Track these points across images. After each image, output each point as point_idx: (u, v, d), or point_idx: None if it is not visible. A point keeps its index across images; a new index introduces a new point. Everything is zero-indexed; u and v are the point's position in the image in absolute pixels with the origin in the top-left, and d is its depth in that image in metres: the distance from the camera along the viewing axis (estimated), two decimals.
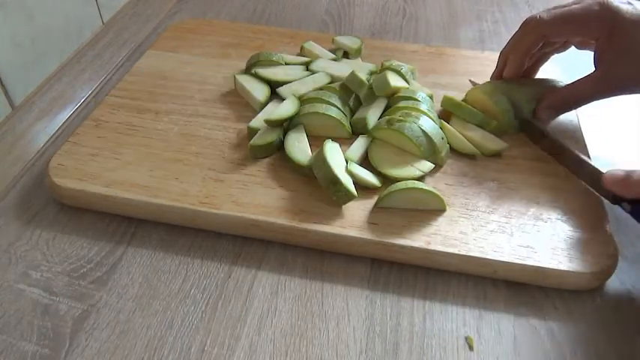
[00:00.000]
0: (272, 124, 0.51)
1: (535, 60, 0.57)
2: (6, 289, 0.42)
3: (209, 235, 0.46)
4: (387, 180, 0.47)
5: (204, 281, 0.43)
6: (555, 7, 0.51)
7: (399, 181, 0.46)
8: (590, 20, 0.49)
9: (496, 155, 0.51)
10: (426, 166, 0.48)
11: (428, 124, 0.49)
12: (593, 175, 0.46)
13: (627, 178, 0.43)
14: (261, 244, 0.46)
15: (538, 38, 0.52)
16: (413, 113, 0.50)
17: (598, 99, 0.51)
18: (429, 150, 0.49)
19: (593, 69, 0.51)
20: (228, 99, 0.58)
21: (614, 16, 0.48)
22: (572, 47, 0.56)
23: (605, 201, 0.46)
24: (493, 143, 0.51)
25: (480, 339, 0.40)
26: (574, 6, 0.50)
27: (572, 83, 0.52)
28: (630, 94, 0.50)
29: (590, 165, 0.47)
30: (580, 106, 0.53)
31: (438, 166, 0.50)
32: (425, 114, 0.51)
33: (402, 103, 0.53)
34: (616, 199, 0.44)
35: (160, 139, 0.52)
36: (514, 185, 0.48)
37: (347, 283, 0.43)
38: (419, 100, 0.53)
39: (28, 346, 0.38)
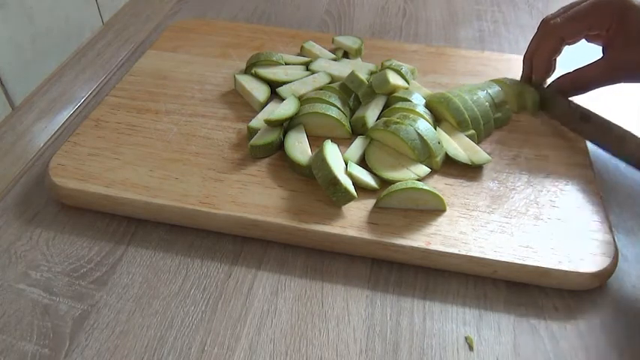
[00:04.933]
0: (272, 124, 0.51)
1: None
2: (6, 289, 0.42)
3: (209, 235, 0.46)
4: (384, 182, 0.47)
5: (204, 281, 0.43)
6: (565, 8, 0.52)
7: (394, 183, 0.46)
8: (601, 12, 0.50)
9: (477, 167, 0.50)
10: (422, 169, 0.48)
11: (425, 127, 0.49)
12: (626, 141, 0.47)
13: None
14: (261, 244, 0.46)
15: (558, 42, 0.53)
16: (411, 116, 0.50)
17: (605, 84, 0.51)
18: (424, 154, 0.49)
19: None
20: (228, 99, 0.58)
21: (623, 3, 0.49)
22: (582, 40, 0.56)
23: (605, 201, 0.46)
24: (476, 156, 0.50)
25: (480, 339, 0.40)
26: (583, 3, 0.51)
27: (581, 68, 0.53)
28: (638, 81, 0.51)
29: (621, 129, 0.48)
30: (587, 90, 0.53)
31: (434, 171, 0.49)
32: (422, 117, 0.51)
33: (399, 104, 0.53)
34: None
35: (160, 139, 0.52)
36: (514, 185, 0.48)
37: (347, 283, 0.43)
38: (412, 102, 0.53)
39: (28, 346, 0.38)
